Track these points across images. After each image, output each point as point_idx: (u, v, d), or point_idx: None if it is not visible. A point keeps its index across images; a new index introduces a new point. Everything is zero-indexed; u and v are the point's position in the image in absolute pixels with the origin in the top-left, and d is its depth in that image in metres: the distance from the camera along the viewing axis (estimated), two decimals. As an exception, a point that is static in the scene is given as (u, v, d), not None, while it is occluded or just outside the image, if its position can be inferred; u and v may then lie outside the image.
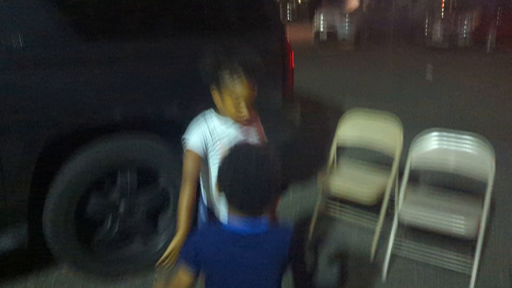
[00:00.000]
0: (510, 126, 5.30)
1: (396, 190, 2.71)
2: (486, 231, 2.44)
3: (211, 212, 1.82)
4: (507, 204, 3.30)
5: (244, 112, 1.65)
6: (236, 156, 1.23)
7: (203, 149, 1.72)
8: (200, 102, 2.50)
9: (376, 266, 2.60)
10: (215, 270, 1.25)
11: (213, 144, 1.73)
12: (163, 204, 2.55)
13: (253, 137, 1.81)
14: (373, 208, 2.84)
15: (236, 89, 1.62)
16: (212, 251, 1.23)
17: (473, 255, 2.42)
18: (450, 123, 5.26)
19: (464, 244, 2.58)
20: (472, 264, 2.41)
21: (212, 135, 1.73)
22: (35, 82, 2.04)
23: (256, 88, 1.67)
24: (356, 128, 2.95)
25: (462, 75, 8.68)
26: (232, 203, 1.23)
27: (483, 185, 2.43)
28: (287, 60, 2.94)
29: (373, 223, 2.84)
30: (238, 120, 1.71)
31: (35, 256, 2.51)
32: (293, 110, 3.16)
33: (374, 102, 6.17)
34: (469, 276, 2.39)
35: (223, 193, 1.25)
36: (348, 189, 2.73)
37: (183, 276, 1.28)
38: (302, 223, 3.03)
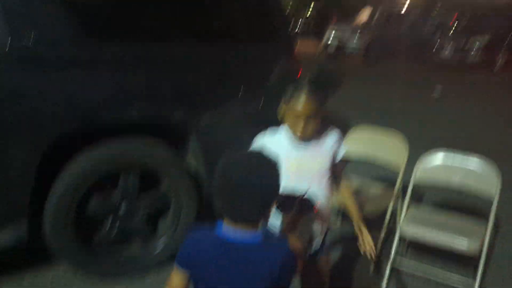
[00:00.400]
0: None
1: (399, 206, 2.69)
2: (489, 251, 2.41)
3: None
4: (508, 224, 3.26)
5: (299, 131, 1.59)
6: (226, 163, 1.21)
7: None
8: (205, 108, 2.57)
9: (376, 280, 2.56)
10: (203, 274, 1.24)
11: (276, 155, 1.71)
12: (164, 208, 2.55)
13: (313, 160, 1.68)
14: (375, 222, 2.81)
15: (296, 106, 1.57)
16: (202, 255, 1.22)
17: (475, 275, 2.38)
18: (455, 143, 5.25)
19: (466, 264, 2.55)
20: (474, 284, 2.37)
21: (271, 146, 1.66)
22: (39, 82, 2.06)
23: (321, 107, 1.59)
24: (361, 144, 2.94)
25: (469, 94, 8.65)
26: (221, 210, 1.21)
27: (487, 205, 2.41)
28: (295, 72, 2.95)
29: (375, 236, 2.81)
30: (297, 140, 1.65)
31: (33, 254, 2.51)
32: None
33: (380, 118, 6.16)
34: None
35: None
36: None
37: (175, 276, 1.29)
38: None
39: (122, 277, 2.45)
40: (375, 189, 2.89)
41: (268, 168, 1.21)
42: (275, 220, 1.71)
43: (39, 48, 2.03)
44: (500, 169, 2.45)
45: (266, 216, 1.24)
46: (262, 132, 1.75)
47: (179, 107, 2.46)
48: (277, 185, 1.22)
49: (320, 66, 1.64)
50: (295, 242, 1.40)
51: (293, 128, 1.61)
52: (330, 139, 1.72)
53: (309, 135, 1.62)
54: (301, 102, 1.56)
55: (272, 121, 2.83)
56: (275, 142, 1.68)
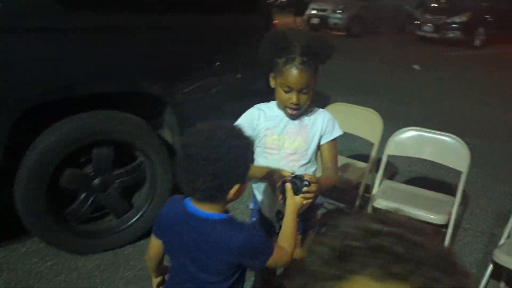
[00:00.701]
0: (490, 124, 5.38)
1: (373, 179, 2.74)
2: (457, 224, 2.50)
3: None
4: (478, 199, 3.38)
5: (292, 103, 1.50)
6: (186, 136, 1.16)
7: (251, 133, 1.61)
8: (180, 80, 2.54)
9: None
10: (172, 244, 1.26)
11: (260, 133, 1.63)
12: (139, 181, 2.54)
13: (301, 138, 1.62)
14: (351, 194, 2.88)
15: (288, 77, 1.48)
16: (171, 225, 1.23)
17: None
18: (431, 117, 5.34)
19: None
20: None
21: (260, 122, 1.63)
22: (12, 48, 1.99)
23: (313, 79, 1.51)
24: (337, 120, 2.94)
25: (448, 67, 8.74)
26: (180, 185, 1.18)
27: (457, 180, 2.48)
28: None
29: (349, 208, 2.89)
30: (289, 113, 1.57)
31: (5, 228, 2.48)
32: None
33: (359, 91, 6.20)
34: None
35: None
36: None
37: (152, 245, 1.34)
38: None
39: (96, 250, 2.45)
40: (350, 163, 2.93)
41: (229, 144, 1.12)
42: (259, 196, 1.73)
43: (5, 16, 1.95)
44: (472, 144, 2.52)
45: (225, 195, 1.16)
46: (253, 106, 1.69)
47: (153, 79, 2.42)
48: (237, 163, 1.13)
49: (311, 36, 1.54)
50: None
51: (285, 101, 1.53)
52: (321, 119, 1.65)
53: (302, 107, 1.55)
54: (293, 74, 1.47)
55: (253, 93, 2.85)
56: (264, 117, 1.63)
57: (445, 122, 5.04)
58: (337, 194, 3.00)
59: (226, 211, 1.22)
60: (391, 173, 3.61)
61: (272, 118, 1.62)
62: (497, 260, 2.04)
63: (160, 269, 1.44)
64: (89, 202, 2.38)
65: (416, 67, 8.54)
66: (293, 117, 1.59)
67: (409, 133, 2.64)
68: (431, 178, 3.53)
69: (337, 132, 1.66)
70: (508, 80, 7.78)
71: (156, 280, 1.47)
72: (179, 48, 2.52)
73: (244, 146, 1.16)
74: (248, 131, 1.64)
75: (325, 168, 1.66)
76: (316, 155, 1.68)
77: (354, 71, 7.81)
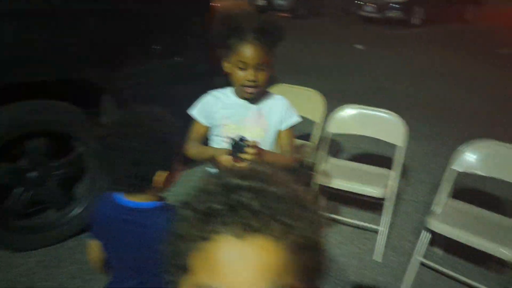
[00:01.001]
0: (427, 100, 5.65)
1: (317, 157, 2.82)
2: (398, 197, 2.63)
3: None
4: (418, 172, 3.57)
5: (251, 79, 1.47)
6: (106, 126, 1.13)
7: (207, 120, 1.63)
8: (118, 66, 2.45)
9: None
10: (110, 238, 1.22)
11: (216, 121, 1.61)
12: (79, 173, 2.45)
13: (257, 125, 1.60)
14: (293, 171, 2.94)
15: (241, 52, 1.44)
16: (105, 220, 1.19)
17: (383, 219, 2.60)
18: (372, 94, 5.54)
19: (379, 208, 2.76)
20: (381, 227, 2.59)
21: (217, 111, 1.60)
22: None
23: (269, 56, 1.48)
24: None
25: (389, 46, 9.05)
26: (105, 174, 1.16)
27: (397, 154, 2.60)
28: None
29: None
30: (247, 93, 1.53)
31: None
32: (220, 76, 3.12)
33: (303, 72, 6.29)
34: (380, 232, 2.59)
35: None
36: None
37: (91, 242, 1.28)
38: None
39: (36, 246, 2.35)
40: (296, 142, 2.99)
41: (146, 130, 1.08)
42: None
43: None
44: (410, 120, 2.64)
45: (149, 183, 1.12)
46: (208, 93, 1.67)
47: (90, 65, 2.32)
48: (157, 150, 1.09)
49: (262, 16, 1.51)
50: None
51: (241, 80, 1.49)
52: (278, 106, 1.63)
53: (259, 86, 1.52)
54: (248, 50, 1.45)
55: (195, 77, 2.82)
56: (221, 105, 1.61)
57: (385, 99, 5.24)
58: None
59: (162, 199, 1.20)
60: (337, 151, 3.72)
61: (229, 106, 1.61)
62: (429, 226, 2.17)
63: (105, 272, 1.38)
64: (26, 196, 2.27)
65: (358, 46, 8.77)
66: (251, 98, 1.57)
67: (348, 111, 2.73)
68: (374, 154, 3.67)
69: (295, 119, 1.67)
70: (445, 57, 8.19)
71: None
72: (116, 33, 2.42)
73: (166, 132, 1.12)
74: (203, 120, 1.64)
75: (282, 152, 1.68)
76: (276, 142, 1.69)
77: (298, 52, 7.88)
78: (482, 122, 4.81)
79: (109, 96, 2.45)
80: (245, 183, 0.50)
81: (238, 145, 1.39)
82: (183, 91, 2.11)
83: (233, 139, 1.40)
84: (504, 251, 1.97)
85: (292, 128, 1.68)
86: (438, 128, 4.56)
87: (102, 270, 1.36)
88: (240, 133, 1.49)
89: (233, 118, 1.60)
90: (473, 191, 3.14)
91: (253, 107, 1.61)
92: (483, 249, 2.03)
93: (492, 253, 2.02)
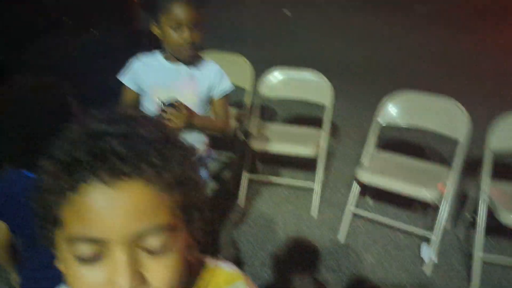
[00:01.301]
0: (351, 60, 5.86)
1: (249, 124, 2.84)
2: (329, 152, 2.73)
3: None
4: (346, 128, 3.72)
5: (186, 37, 1.46)
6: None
7: (137, 86, 1.60)
8: (28, 42, 2.26)
9: (233, 190, 2.75)
10: (14, 217, 1.15)
11: (146, 87, 1.57)
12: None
13: (188, 90, 1.58)
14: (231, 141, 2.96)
15: (174, 11, 1.44)
16: (9, 197, 1.12)
17: (317, 176, 2.70)
18: (300, 58, 5.63)
19: (313, 166, 2.86)
20: (315, 183, 2.69)
21: (145, 76, 1.57)
22: None
23: (201, 18, 1.49)
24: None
25: (317, 10, 9.18)
26: None
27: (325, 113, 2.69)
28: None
29: (227, 156, 2.98)
30: (183, 54, 1.52)
31: None
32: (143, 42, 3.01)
33: (229, 40, 6.22)
34: (314, 189, 2.69)
35: None
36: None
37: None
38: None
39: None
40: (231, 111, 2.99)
41: (31, 104, 1.03)
42: None
43: None
44: (337, 81, 2.73)
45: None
46: (134, 59, 1.62)
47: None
48: (47, 123, 1.03)
49: None
50: None
51: (176, 40, 1.48)
52: (210, 71, 1.62)
53: (195, 46, 1.51)
54: (180, 6, 1.45)
55: (114, 49, 2.67)
56: (150, 71, 1.58)
57: (315, 63, 5.36)
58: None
59: None
60: (269, 115, 3.76)
61: (159, 70, 1.58)
62: (358, 178, 2.30)
63: (12, 260, 1.30)
64: None
65: (286, 12, 8.80)
66: (188, 59, 1.55)
67: (277, 75, 2.76)
68: (306, 116, 3.77)
69: (228, 86, 1.66)
70: (371, 19, 8.47)
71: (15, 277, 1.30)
72: (20, 8, 2.22)
73: (55, 102, 1.08)
74: (133, 85, 1.61)
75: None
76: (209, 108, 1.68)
77: (224, 19, 7.78)
78: (404, 76, 5.09)
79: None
80: (111, 128, 0.49)
81: (168, 108, 1.40)
82: (105, 65, 2.00)
83: (162, 102, 1.40)
84: (426, 193, 2.14)
85: (226, 96, 1.67)
86: (365, 86, 4.76)
87: (7, 260, 1.28)
88: (172, 97, 1.48)
89: (164, 82, 1.57)
90: (397, 142, 3.35)
91: (184, 71, 1.59)
92: (407, 193, 2.19)
93: (415, 196, 2.18)
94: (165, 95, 1.53)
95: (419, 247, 2.33)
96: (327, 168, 2.93)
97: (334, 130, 3.74)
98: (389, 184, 2.22)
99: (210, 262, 0.66)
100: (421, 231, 2.35)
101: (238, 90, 2.89)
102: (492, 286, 2.11)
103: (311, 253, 2.30)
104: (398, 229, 2.48)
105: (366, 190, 2.66)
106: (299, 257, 2.29)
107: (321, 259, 2.26)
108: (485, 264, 2.15)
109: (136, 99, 1.64)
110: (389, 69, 5.48)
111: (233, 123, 2.79)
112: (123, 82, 1.63)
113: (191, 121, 1.48)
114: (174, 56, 1.56)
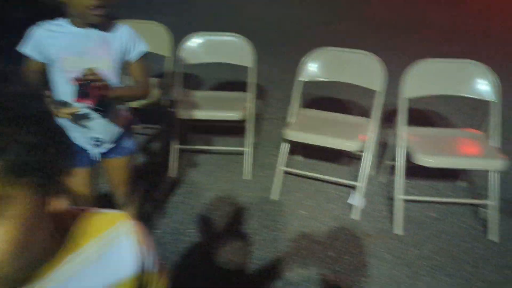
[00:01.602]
0: (275, 19, 5.86)
1: (173, 92, 2.76)
2: (258, 115, 2.74)
3: None
4: (272, 89, 3.76)
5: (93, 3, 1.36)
6: None
7: (43, 56, 1.46)
8: None
9: (164, 163, 2.70)
10: None
11: (53, 55, 1.45)
12: None
13: (99, 56, 1.47)
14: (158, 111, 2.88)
15: None
16: None
17: (246, 140, 2.72)
18: (221, 22, 5.53)
19: (243, 131, 2.86)
20: (246, 146, 2.71)
21: (51, 43, 1.44)
22: None
23: None
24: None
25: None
26: None
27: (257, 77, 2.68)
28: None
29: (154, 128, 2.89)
30: (93, 16, 1.40)
31: None
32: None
33: (144, 10, 5.95)
34: (245, 153, 2.72)
35: None
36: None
37: None
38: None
39: None
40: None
41: None
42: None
43: None
44: (258, 43, 2.72)
45: None
46: (36, 26, 1.47)
47: None
48: None
49: None
50: None
51: (85, 3, 1.37)
52: (122, 33, 1.52)
53: (106, 6, 1.40)
54: None
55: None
56: (56, 37, 1.45)
57: (233, 25, 5.28)
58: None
59: None
60: (194, 82, 3.69)
61: (67, 36, 1.45)
62: (285, 136, 2.35)
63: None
64: None
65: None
66: (99, 22, 1.44)
67: (196, 40, 2.69)
68: (231, 81, 3.74)
69: (143, 47, 1.58)
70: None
71: None
72: None
73: None
74: (37, 56, 1.48)
75: (136, 84, 1.61)
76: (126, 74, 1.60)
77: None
78: (326, 35, 5.21)
79: None
80: None
81: (84, 85, 1.35)
82: None
83: (77, 81, 1.35)
84: (349, 144, 2.24)
85: (143, 58, 1.60)
86: (286, 47, 4.81)
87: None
88: (83, 65, 1.39)
89: (73, 49, 1.45)
90: (322, 98, 3.45)
91: (95, 35, 1.48)
92: (332, 146, 2.27)
93: (339, 148, 2.28)
94: (77, 62, 1.43)
95: (347, 197, 2.46)
96: (257, 131, 2.96)
97: (261, 93, 3.76)
98: (314, 139, 2.29)
99: (90, 211, 0.66)
100: (348, 181, 2.48)
101: (158, 58, 2.79)
102: (413, 223, 2.30)
103: (246, 215, 2.34)
104: (328, 182, 2.59)
105: (296, 148, 2.73)
106: (233, 219, 2.32)
107: (256, 219, 2.31)
108: (406, 203, 2.33)
109: (42, 71, 1.51)
110: (310, 28, 5.57)
111: (156, 93, 2.70)
112: (24, 53, 1.48)
113: (107, 95, 1.40)
114: (82, 21, 1.44)
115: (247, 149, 2.70)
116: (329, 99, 3.55)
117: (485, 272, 1.99)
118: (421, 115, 3.33)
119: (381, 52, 2.54)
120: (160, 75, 2.79)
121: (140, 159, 2.79)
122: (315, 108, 2.66)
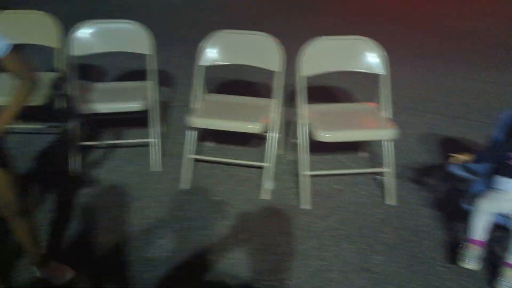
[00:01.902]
0: (173, 7, 5.71)
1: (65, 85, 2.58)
2: (165, 103, 2.66)
3: None
4: (179, 78, 3.68)
5: None
6: None
7: None
8: None
9: (65, 163, 2.54)
10: None
11: None
12: None
13: None
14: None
15: None
16: None
17: (151, 127, 2.63)
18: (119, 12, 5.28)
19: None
20: (151, 134, 2.63)
21: None
22: None
23: None
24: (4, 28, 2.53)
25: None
26: None
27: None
28: None
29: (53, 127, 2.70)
30: None
31: None
32: None
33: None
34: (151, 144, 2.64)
35: None
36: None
37: None
38: None
39: None
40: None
41: None
42: None
43: None
44: (158, 28, 2.62)
45: None
46: None
47: None
48: None
49: None
50: None
51: None
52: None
53: None
54: None
55: None
56: None
57: (128, 10, 5.07)
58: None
59: None
60: (91, 73, 3.50)
61: None
62: (189, 124, 2.30)
63: None
64: None
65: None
66: None
67: (87, 30, 2.53)
68: (137, 70, 3.58)
69: (6, 41, 1.40)
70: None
71: None
72: None
73: None
74: None
75: (16, 76, 1.44)
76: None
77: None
78: (228, 17, 5.18)
79: None
80: None
81: None
82: None
83: None
84: (251, 126, 2.24)
85: (11, 52, 1.44)
86: (190, 33, 4.70)
87: None
88: None
89: None
90: (227, 82, 3.44)
91: None
92: (236, 129, 2.27)
93: (243, 131, 2.28)
94: None
95: (258, 178, 2.49)
96: (165, 119, 2.87)
97: (169, 80, 3.67)
98: (217, 124, 2.27)
99: None
100: (257, 163, 2.51)
101: (47, 51, 2.59)
102: (321, 196, 2.39)
103: (155, 207, 2.28)
104: (239, 165, 2.60)
105: (207, 134, 2.70)
106: (142, 214, 2.24)
107: (166, 211, 2.25)
108: (314, 178, 2.42)
109: None
110: (213, 10, 5.51)
111: (49, 91, 2.51)
112: None
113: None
114: None
115: (154, 139, 2.62)
116: (238, 82, 3.55)
117: (384, 235, 2.13)
118: (325, 92, 3.46)
119: (282, 33, 2.57)
120: (51, 70, 2.59)
121: (40, 160, 2.59)
122: (225, 93, 2.64)
